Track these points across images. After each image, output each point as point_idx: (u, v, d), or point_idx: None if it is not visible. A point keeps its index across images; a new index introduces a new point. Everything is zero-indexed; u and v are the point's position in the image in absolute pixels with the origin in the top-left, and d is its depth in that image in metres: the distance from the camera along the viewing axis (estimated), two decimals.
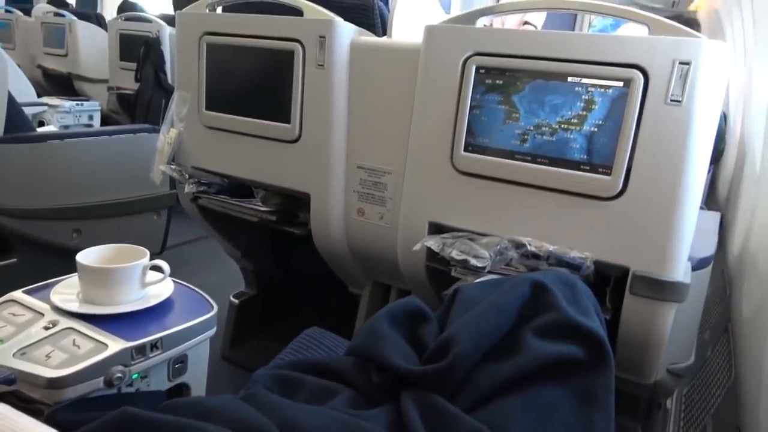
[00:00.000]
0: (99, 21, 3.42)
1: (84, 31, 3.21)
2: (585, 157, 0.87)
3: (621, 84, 0.83)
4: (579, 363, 0.56)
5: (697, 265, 1.01)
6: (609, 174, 0.86)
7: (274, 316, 1.71)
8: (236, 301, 1.62)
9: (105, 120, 2.95)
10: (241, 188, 1.31)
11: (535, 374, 0.55)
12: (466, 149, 0.96)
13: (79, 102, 2.68)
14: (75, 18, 3.20)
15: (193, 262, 2.28)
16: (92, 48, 3.22)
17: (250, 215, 1.26)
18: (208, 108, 1.24)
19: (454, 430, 0.49)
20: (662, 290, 0.86)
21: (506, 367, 0.55)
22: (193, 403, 0.48)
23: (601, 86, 0.85)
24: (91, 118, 2.70)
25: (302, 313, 1.74)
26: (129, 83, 2.91)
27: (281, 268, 1.66)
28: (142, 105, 2.82)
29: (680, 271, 0.87)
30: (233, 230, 1.47)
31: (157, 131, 1.87)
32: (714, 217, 1.36)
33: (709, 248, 1.09)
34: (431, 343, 0.60)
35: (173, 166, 1.29)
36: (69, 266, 0.80)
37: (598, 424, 0.52)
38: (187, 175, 1.29)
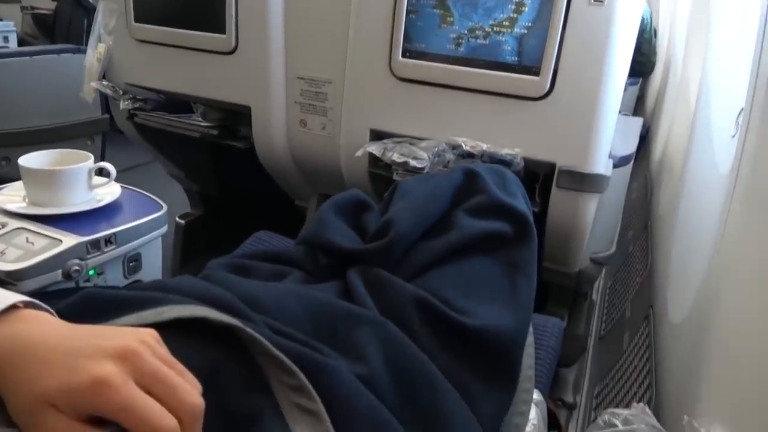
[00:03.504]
0: None
1: None
2: (516, 59, 0.91)
3: None
4: (506, 237, 0.63)
5: (619, 162, 1.10)
6: (537, 75, 0.90)
7: (221, 236, 1.73)
8: (182, 222, 1.62)
9: (21, 45, 2.74)
10: (180, 104, 1.28)
11: (466, 248, 0.61)
12: (403, 55, 0.98)
13: None
14: None
15: None
16: None
17: (191, 131, 1.24)
18: (137, 20, 1.19)
19: (395, 294, 0.55)
20: (585, 182, 0.93)
21: (440, 242, 0.61)
22: (153, 282, 0.51)
23: None
24: (6, 39, 2.50)
25: (249, 231, 1.77)
26: (45, 2, 2.69)
27: (225, 187, 1.66)
28: (61, 26, 2.63)
29: (601, 165, 0.94)
30: (174, 149, 1.45)
31: (82, 51, 1.77)
32: (636, 121, 1.45)
33: (630, 148, 1.18)
34: (374, 228, 0.65)
35: (105, 83, 1.25)
36: None
37: (521, 287, 0.59)
38: (121, 92, 1.25)
